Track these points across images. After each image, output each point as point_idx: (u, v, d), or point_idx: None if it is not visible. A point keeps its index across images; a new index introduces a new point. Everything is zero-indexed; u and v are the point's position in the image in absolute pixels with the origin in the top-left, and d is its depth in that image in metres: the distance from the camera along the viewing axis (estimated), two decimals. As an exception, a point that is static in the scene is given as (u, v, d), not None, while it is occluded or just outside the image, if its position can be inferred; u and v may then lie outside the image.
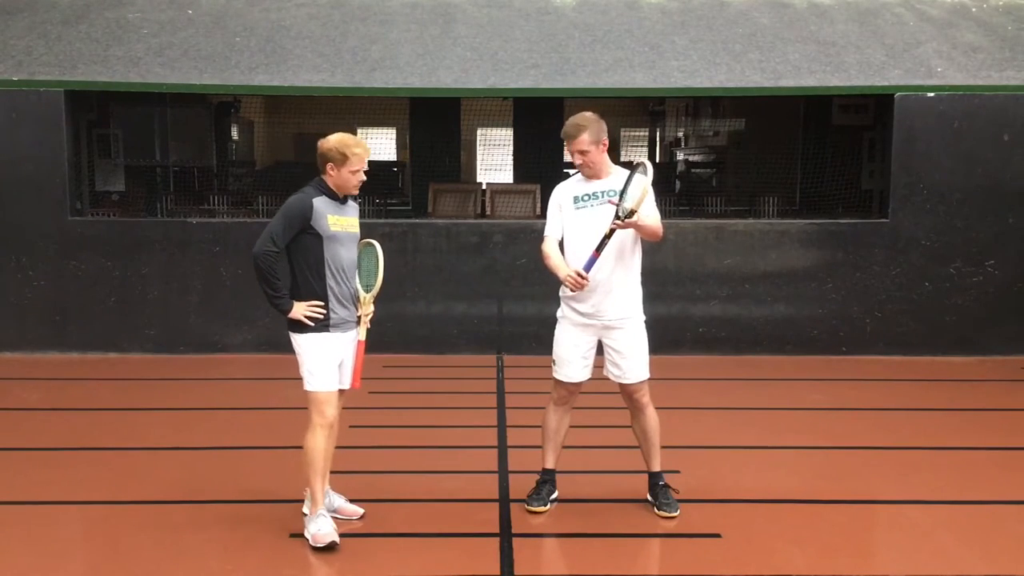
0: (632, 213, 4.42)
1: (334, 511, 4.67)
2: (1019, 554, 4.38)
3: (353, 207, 4.60)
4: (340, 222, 4.45)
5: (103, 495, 5.11)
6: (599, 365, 4.81)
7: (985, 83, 8.62)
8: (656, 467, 4.89)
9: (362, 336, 4.58)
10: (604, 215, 4.56)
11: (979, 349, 8.61)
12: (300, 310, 4.39)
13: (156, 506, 4.95)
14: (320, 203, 4.42)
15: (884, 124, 9.00)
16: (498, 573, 4.14)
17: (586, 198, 4.66)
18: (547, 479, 4.91)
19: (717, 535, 4.56)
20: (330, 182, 4.47)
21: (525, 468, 5.17)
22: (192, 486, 5.23)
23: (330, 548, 4.33)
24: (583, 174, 4.70)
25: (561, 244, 4.74)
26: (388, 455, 5.78)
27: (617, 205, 4.47)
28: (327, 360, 4.46)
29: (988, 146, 8.51)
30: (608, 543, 4.55)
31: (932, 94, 8.50)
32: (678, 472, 5.39)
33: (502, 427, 6.37)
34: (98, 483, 5.30)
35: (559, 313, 4.82)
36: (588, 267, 4.51)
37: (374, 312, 4.60)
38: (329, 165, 4.42)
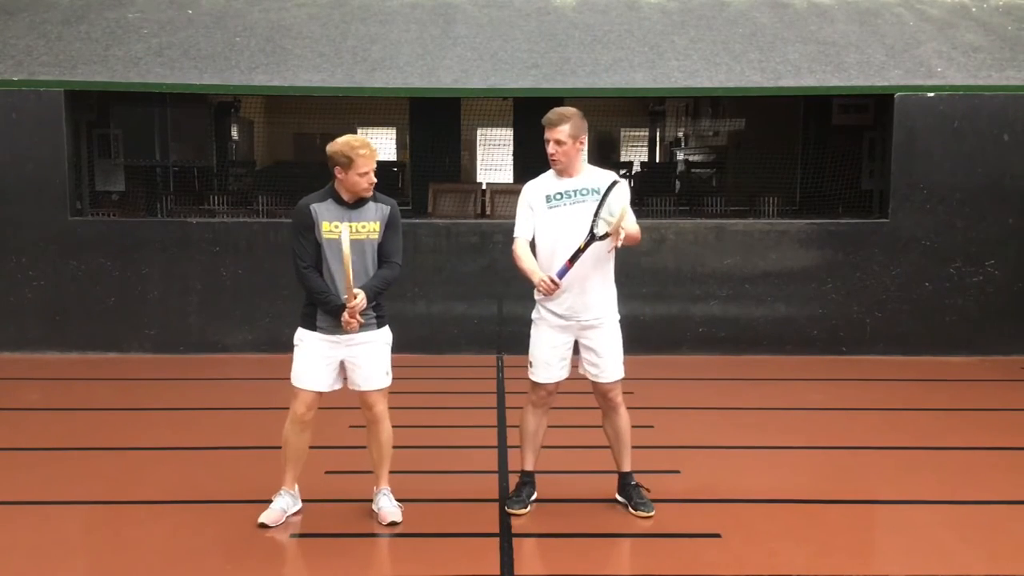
0: (607, 236, 4.43)
1: (379, 509, 4.68)
2: (1019, 554, 4.38)
3: (365, 211, 4.47)
4: (339, 229, 4.40)
5: (103, 495, 5.11)
6: (574, 364, 4.79)
7: (985, 83, 8.62)
8: (627, 467, 4.89)
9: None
10: (577, 215, 4.54)
11: (979, 349, 8.61)
12: (345, 312, 4.39)
13: (156, 506, 4.95)
14: (320, 208, 4.43)
15: (884, 124, 8.99)
16: (498, 573, 4.14)
17: (559, 197, 4.60)
18: (527, 481, 4.89)
19: (717, 535, 4.55)
20: (339, 186, 4.45)
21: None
22: (192, 486, 5.23)
23: (262, 527, 4.55)
24: (554, 168, 4.64)
25: (532, 243, 4.68)
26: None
27: (593, 222, 4.48)
28: (307, 358, 4.50)
29: (988, 146, 8.50)
30: (608, 543, 4.55)
31: (932, 94, 8.50)
32: (678, 472, 5.40)
33: (502, 427, 6.36)
34: (98, 483, 5.30)
35: (534, 315, 4.77)
36: (561, 275, 4.48)
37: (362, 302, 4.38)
38: (337, 169, 4.39)
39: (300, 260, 4.45)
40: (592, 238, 4.48)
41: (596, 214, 4.50)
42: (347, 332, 4.45)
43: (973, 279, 8.58)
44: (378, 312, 4.58)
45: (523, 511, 4.77)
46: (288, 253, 4.61)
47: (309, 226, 4.42)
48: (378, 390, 4.62)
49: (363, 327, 4.49)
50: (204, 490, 5.15)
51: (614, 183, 4.56)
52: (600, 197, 4.55)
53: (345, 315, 4.38)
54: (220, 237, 8.65)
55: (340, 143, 4.41)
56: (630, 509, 4.81)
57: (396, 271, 4.56)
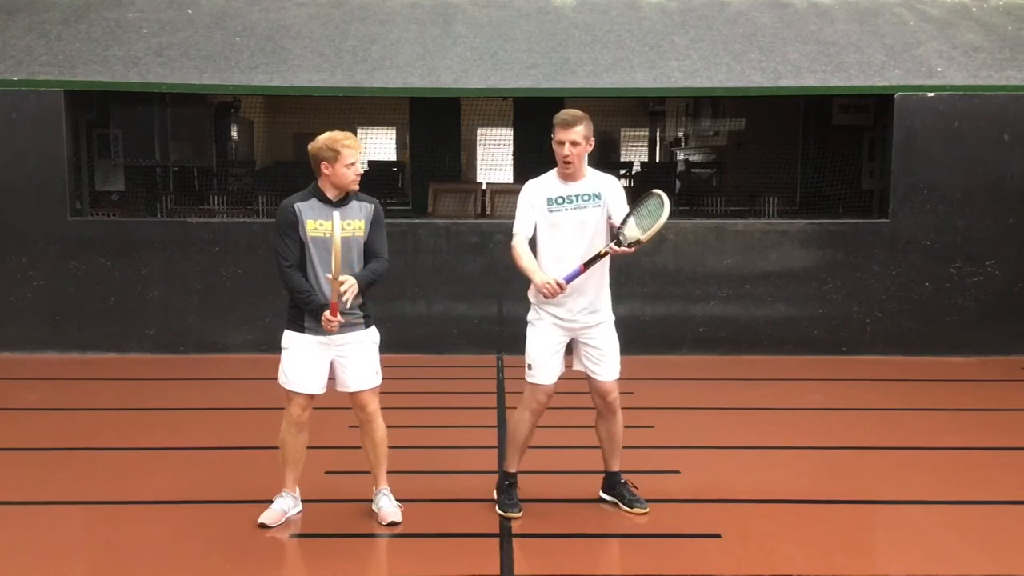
0: (638, 242, 4.38)
1: (379, 509, 4.68)
2: (1019, 554, 4.38)
3: (350, 209, 4.47)
4: (324, 227, 4.40)
5: (103, 495, 5.11)
6: (567, 364, 4.78)
7: (985, 83, 8.62)
8: (616, 467, 4.90)
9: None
10: (577, 220, 4.53)
11: (979, 349, 8.61)
12: (325, 315, 4.37)
13: (156, 506, 4.95)
14: (304, 207, 4.44)
15: (884, 124, 8.99)
16: (498, 573, 4.14)
17: (561, 200, 4.57)
18: (513, 482, 4.87)
19: (717, 535, 4.55)
20: (326, 183, 4.45)
21: (526, 468, 5.16)
22: (192, 486, 5.23)
23: (262, 527, 4.55)
24: (562, 171, 4.59)
25: (531, 243, 4.65)
26: (388, 455, 5.77)
27: (619, 229, 4.44)
28: (295, 359, 4.51)
29: (988, 146, 8.51)
30: (608, 543, 4.56)
31: (932, 94, 8.50)
32: (678, 472, 5.40)
33: (502, 427, 6.36)
34: (98, 483, 5.30)
35: (532, 316, 4.72)
36: (570, 279, 4.44)
37: (349, 290, 4.35)
38: (323, 164, 4.41)
39: (283, 259, 4.45)
40: (619, 244, 4.42)
41: (624, 222, 4.44)
42: (330, 332, 4.42)
43: (973, 279, 8.58)
44: (364, 312, 4.59)
45: (519, 514, 4.75)
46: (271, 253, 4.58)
47: (293, 224, 4.41)
48: (369, 390, 4.64)
49: (351, 327, 4.50)
50: (204, 490, 5.15)
51: (653, 193, 4.47)
52: (601, 201, 4.52)
53: (327, 313, 4.34)
54: (220, 237, 8.65)
55: (323, 139, 4.42)
56: (623, 507, 4.82)
57: (385, 265, 4.58)
